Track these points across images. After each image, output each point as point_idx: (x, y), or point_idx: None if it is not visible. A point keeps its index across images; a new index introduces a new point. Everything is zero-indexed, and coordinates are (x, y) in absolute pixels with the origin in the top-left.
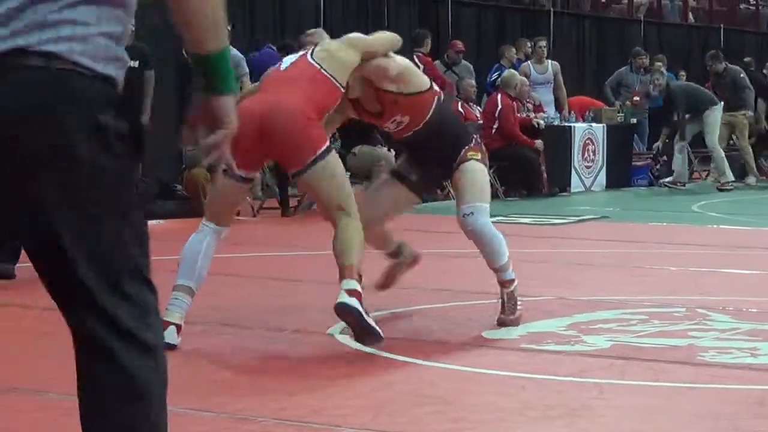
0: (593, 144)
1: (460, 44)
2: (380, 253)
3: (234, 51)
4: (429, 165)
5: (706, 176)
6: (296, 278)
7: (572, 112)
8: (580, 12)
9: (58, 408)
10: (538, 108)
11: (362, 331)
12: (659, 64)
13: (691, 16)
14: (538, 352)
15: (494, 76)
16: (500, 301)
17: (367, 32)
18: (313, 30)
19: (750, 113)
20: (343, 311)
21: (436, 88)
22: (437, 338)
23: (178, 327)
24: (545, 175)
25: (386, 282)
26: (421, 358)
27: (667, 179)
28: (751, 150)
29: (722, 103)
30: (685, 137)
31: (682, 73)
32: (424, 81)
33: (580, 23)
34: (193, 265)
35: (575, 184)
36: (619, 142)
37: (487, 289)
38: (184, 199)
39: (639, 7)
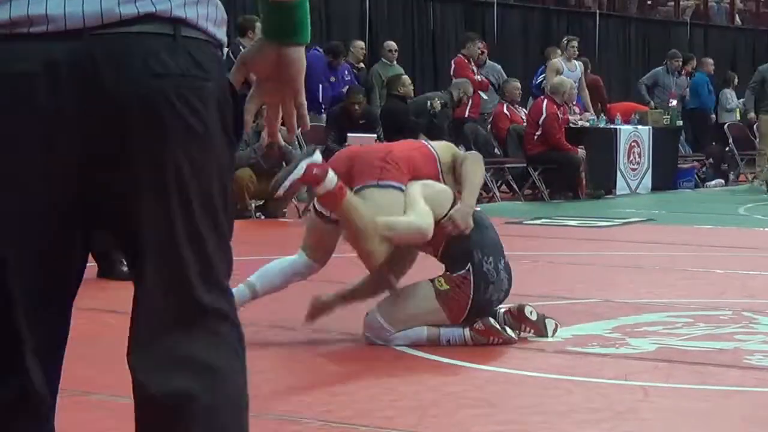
0: (639, 146)
1: (481, 44)
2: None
3: None
4: None
5: (753, 179)
6: (340, 280)
7: (617, 114)
8: (626, 14)
9: (104, 408)
10: (582, 110)
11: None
12: None
13: (737, 18)
14: (583, 354)
15: (540, 78)
16: None
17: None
18: None
19: None
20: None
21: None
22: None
23: None
24: (584, 181)
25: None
26: (465, 360)
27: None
28: None
29: None
30: None
31: (733, 74)
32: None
33: (626, 25)
34: (268, 272)
35: (621, 186)
36: (664, 144)
37: (531, 292)
38: None
39: (685, 10)
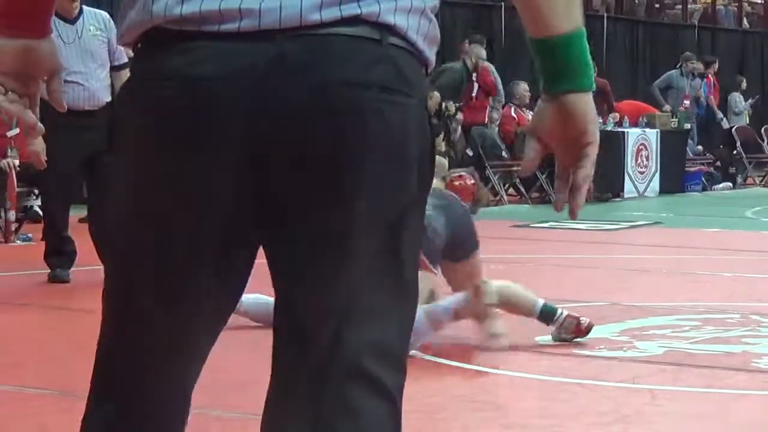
0: (647, 149)
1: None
2: None
3: None
4: None
5: (761, 182)
6: None
7: (625, 117)
8: (634, 17)
9: None
10: None
11: None
12: None
13: (745, 21)
14: (590, 357)
15: None
16: None
17: None
18: None
19: None
20: None
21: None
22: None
23: None
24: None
25: None
26: (473, 363)
27: None
28: None
29: None
30: None
31: (741, 77)
32: None
33: (634, 28)
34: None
35: (628, 189)
36: (672, 147)
37: (539, 295)
38: None
39: (693, 13)
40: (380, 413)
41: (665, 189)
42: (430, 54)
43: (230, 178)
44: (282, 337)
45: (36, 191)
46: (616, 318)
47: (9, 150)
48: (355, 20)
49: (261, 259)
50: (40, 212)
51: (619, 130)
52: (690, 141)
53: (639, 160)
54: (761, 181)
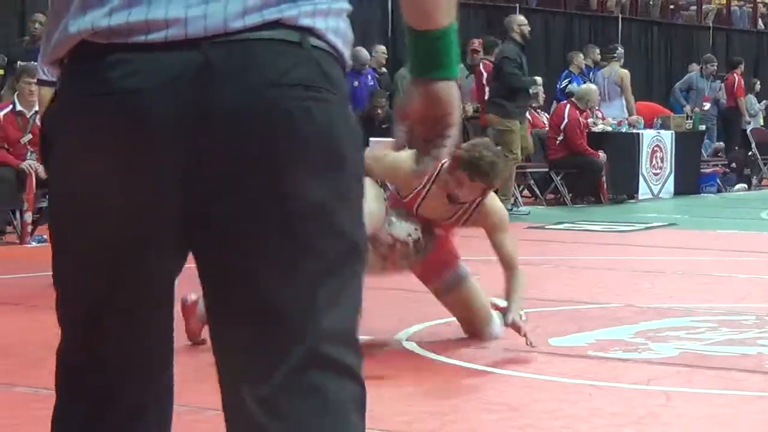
0: (661, 151)
1: (477, 43)
2: None
3: None
4: None
5: None
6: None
7: (640, 119)
8: (649, 18)
9: None
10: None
11: None
12: None
13: (760, 22)
14: (605, 359)
15: (564, 82)
16: None
17: None
18: None
19: None
20: None
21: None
22: (503, 345)
23: None
24: (605, 186)
25: None
26: (486, 365)
27: None
28: None
29: None
30: None
31: (756, 79)
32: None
33: (649, 29)
34: None
35: (643, 191)
36: (687, 149)
37: (553, 297)
38: None
39: (708, 14)
40: (345, 389)
41: (680, 190)
42: (347, 56)
43: (168, 189)
44: (236, 311)
45: None
46: (631, 320)
47: (29, 153)
48: (276, 24)
49: None
50: None
51: (634, 131)
52: (707, 140)
53: (654, 162)
54: None
